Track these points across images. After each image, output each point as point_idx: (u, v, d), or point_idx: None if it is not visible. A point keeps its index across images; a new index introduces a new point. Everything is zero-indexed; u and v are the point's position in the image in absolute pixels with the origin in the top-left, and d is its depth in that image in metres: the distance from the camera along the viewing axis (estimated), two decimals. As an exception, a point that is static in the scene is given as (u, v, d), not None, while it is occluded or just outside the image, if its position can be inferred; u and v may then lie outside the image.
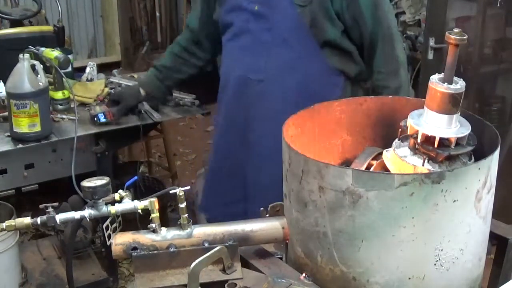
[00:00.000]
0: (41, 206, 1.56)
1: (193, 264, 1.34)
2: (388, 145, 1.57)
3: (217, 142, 2.53)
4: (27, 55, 2.52)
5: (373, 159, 1.61)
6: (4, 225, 1.53)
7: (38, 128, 2.54)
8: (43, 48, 2.73)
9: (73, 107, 2.59)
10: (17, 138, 2.56)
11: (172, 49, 2.65)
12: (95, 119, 2.73)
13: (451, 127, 1.42)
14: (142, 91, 2.73)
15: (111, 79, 3.22)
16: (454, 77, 1.40)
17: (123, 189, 1.54)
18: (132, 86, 2.84)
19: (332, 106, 1.71)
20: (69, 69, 2.97)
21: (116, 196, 1.51)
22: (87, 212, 1.51)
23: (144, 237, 1.48)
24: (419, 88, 3.41)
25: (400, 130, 1.52)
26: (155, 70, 2.67)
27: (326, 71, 2.22)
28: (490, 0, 3.39)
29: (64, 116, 2.80)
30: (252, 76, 2.26)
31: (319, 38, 2.17)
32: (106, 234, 1.51)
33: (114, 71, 3.43)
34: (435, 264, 1.36)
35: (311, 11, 2.12)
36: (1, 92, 2.76)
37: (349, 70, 2.24)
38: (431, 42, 3.27)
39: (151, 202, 1.49)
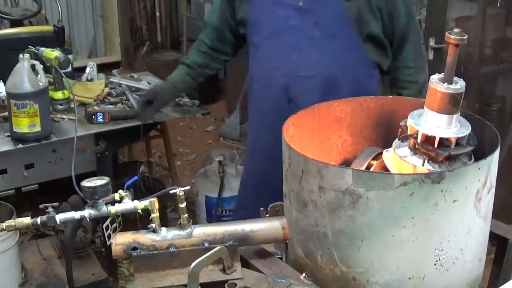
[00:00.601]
0: (41, 206, 1.56)
1: (193, 264, 1.34)
2: (388, 145, 1.57)
3: (258, 146, 2.44)
4: (27, 55, 2.52)
5: (373, 159, 1.61)
6: (4, 225, 1.53)
7: (38, 128, 2.54)
8: (43, 48, 2.73)
9: (73, 107, 2.59)
10: (17, 138, 2.56)
11: (199, 47, 2.55)
12: (93, 117, 2.73)
13: (451, 127, 1.42)
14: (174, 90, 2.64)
15: (111, 79, 3.22)
16: (454, 77, 1.41)
17: (123, 189, 1.54)
18: (165, 83, 2.72)
19: (332, 106, 1.71)
20: (69, 69, 2.97)
21: (116, 196, 1.51)
22: (87, 212, 1.51)
23: (144, 237, 1.48)
24: (419, 88, 3.41)
25: (400, 130, 1.52)
26: (187, 68, 2.58)
27: (366, 64, 2.27)
28: (490, 0, 3.38)
29: (64, 116, 2.80)
30: (302, 73, 2.22)
31: (363, 32, 2.20)
32: (106, 234, 1.51)
33: (114, 71, 3.43)
34: (435, 264, 1.36)
35: (357, 5, 2.15)
36: (1, 92, 2.76)
37: (383, 64, 2.29)
38: (431, 42, 3.27)
39: (151, 202, 1.49)
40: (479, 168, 1.34)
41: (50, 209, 1.52)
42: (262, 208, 1.63)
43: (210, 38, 2.51)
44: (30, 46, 2.65)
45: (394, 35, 2.24)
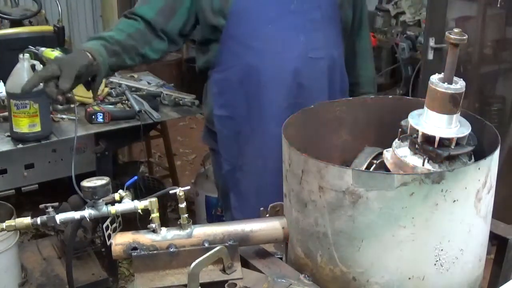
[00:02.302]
0: (41, 206, 1.56)
1: (193, 264, 1.34)
2: (388, 145, 1.57)
3: (270, 140, 2.17)
4: (27, 55, 2.52)
5: (373, 159, 1.61)
6: (4, 225, 1.53)
7: (38, 128, 2.54)
8: (43, 48, 2.71)
9: (73, 107, 2.59)
10: (17, 138, 2.56)
11: (125, 29, 2.12)
12: (93, 117, 2.73)
13: (451, 127, 1.42)
14: (89, 55, 1.96)
15: (111, 79, 3.22)
16: (454, 77, 1.41)
17: (123, 189, 1.54)
18: (75, 51, 2.17)
19: (332, 106, 1.71)
20: (69, 69, 2.96)
21: (116, 196, 1.51)
22: (87, 212, 1.51)
23: (144, 237, 1.48)
24: (419, 88, 3.41)
25: (400, 130, 1.52)
26: (104, 41, 2.05)
27: (343, 48, 2.34)
28: (490, 0, 3.39)
29: (64, 116, 2.80)
30: (312, 55, 2.19)
31: (344, 17, 2.27)
32: (106, 234, 1.51)
33: (114, 71, 3.42)
34: (435, 264, 1.36)
35: None
36: (1, 92, 2.76)
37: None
38: (431, 42, 3.27)
39: (151, 202, 1.49)
40: (479, 168, 1.34)
41: (50, 209, 1.52)
42: (262, 208, 1.63)
43: (140, 28, 2.12)
44: (30, 46, 2.65)
45: (354, 20, 2.33)
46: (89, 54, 1.95)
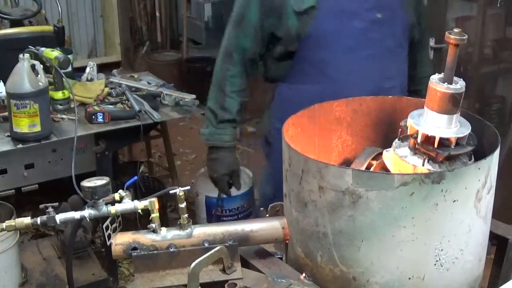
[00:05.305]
0: (41, 206, 1.56)
1: (193, 264, 1.34)
2: (388, 145, 1.57)
3: None
4: (27, 55, 2.52)
5: (373, 159, 1.61)
6: (4, 225, 1.53)
7: (38, 128, 2.54)
8: (43, 48, 2.73)
9: (73, 107, 2.59)
10: (17, 138, 2.56)
11: (233, 88, 2.20)
12: (93, 117, 2.73)
13: (451, 127, 1.42)
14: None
15: (111, 79, 3.22)
16: (454, 77, 1.41)
17: (123, 189, 1.54)
18: (228, 154, 2.30)
19: (332, 106, 1.71)
20: (69, 69, 2.97)
21: (116, 196, 1.51)
22: (87, 212, 1.51)
23: (144, 237, 1.48)
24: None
25: (400, 130, 1.52)
26: (231, 126, 2.23)
27: None
28: (490, 0, 3.38)
29: (64, 116, 2.80)
30: (386, 85, 2.14)
31: (415, 35, 2.25)
32: (106, 234, 1.51)
33: (114, 71, 3.43)
34: (435, 264, 1.36)
35: (411, 14, 2.19)
36: (1, 92, 2.76)
37: None
38: (431, 42, 3.26)
39: (151, 202, 1.49)
40: (479, 168, 1.34)
41: (50, 209, 1.52)
42: (262, 208, 1.63)
43: (239, 66, 2.19)
44: (30, 46, 2.66)
45: (419, 33, 2.28)
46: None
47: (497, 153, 1.39)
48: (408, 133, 1.48)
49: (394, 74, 2.19)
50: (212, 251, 1.41)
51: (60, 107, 2.84)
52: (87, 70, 3.18)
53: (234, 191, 3.20)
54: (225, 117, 2.20)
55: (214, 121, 2.22)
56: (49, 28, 3.20)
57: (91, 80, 3.16)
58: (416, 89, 2.31)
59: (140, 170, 3.75)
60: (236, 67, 2.18)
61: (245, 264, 1.53)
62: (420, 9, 2.27)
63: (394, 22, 2.14)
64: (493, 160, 1.38)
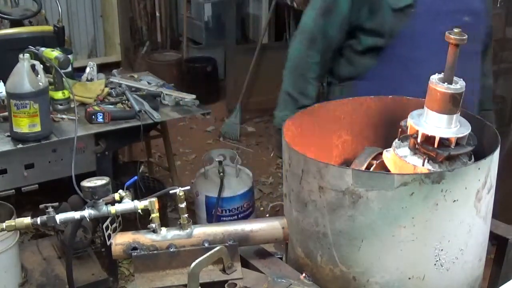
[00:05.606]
0: (41, 206, 1.56)
1: (193, 264, 1.34)
2: (388, 145, 1.57)
3: None
4: (27, 55, 2.52)
5: (373, 159, 1.61)
6: (4, 225, 1.53)
7: (38, 128, 2.54)
8: (43, 48, 2.73)
9: (73, 107, 2.59)
10: (17, 138, 2.56)
11: (311, 74, 2.18)
12: (93, 117, 2.73)
13: (451, 127, 1.42)
14: None
15: (111, 79, 3.22)
16: (454, 77, 1.41)
17: (123, 189, 1.54)
18: None
19: (332, 106, 1.71)
20: (69, 69, 2.97)
21: (116, 196, 1.51)
22: (87, 212, 1.51)
23: (144, 237, 1.48)
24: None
25: (400, 130, 1.52)
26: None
27: None
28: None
29: (64, 116, 2.80)
30: (467, 88, 2.12)
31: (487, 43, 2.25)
32: (106, 234, 1.51)
33: (114, 71, 3.43)
34: (435, 264, 1.36)
35: (490, 21, 2.19)
36: (1, 92, 2.76)
37: None
38: (432, 42, 3.27)
39: (151, 202, 1.49)
40: (479, 168, 1.34)
41: (50, 209, 1.52)
42: (262, 208, 1.63)
43: (322, 54, 2.16)
44: (30, 46, 2.66)
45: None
46: None
47: (497, 153, 1.39)
48: (408, 133, 1.48)
49: (475, 78, 2.16)
50: (212, 251, 1.41)
51: (60, 107, 2.84)
52: (87, 70, 3.18)
53: (234, 191, 3.20)
54: (305, 102, 2.15)
55: (293, 106, 2.19)
56: (49, 28, 3.20)
57: (91, 80, 3.16)
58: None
59: (140, 170, 3.74)
60: (320, 55, 2.16)
61: (245, 264, 1.53)
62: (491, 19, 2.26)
63: (478, 27, 2.12)
64: (493, 160, 1.38)
